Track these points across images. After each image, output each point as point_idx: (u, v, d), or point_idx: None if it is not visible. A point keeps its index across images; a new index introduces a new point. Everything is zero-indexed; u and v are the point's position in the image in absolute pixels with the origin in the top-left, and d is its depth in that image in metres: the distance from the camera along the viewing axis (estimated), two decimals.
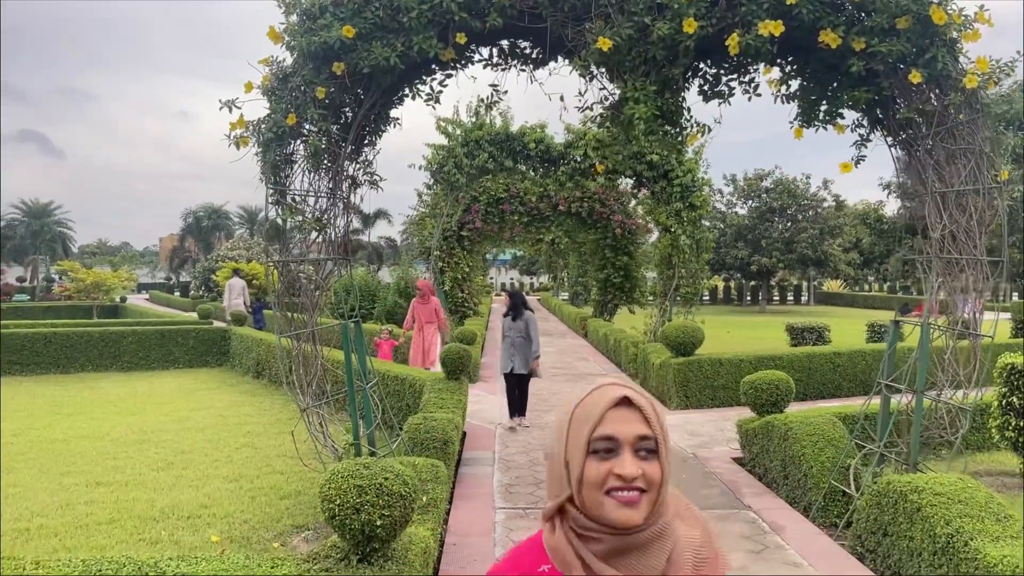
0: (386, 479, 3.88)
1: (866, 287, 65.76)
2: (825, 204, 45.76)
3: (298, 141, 6.50)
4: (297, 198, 6.43)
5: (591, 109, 6.71)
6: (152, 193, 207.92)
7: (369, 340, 11.18)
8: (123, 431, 10.75)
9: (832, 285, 60.36)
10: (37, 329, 17.66)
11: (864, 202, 29.84)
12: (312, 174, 6.56)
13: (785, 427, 7.46)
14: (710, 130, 6.64)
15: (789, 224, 45.12)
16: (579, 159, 15.14)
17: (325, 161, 6.44)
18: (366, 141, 6.66)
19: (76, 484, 8.08)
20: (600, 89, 6.52)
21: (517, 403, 10.39)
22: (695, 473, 8.11)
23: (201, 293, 39.23)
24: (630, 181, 16.05)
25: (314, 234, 6.48)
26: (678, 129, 6.74)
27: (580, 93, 6.61)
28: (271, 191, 6.35)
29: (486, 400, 12.57)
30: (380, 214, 57.28)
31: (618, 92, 6.58)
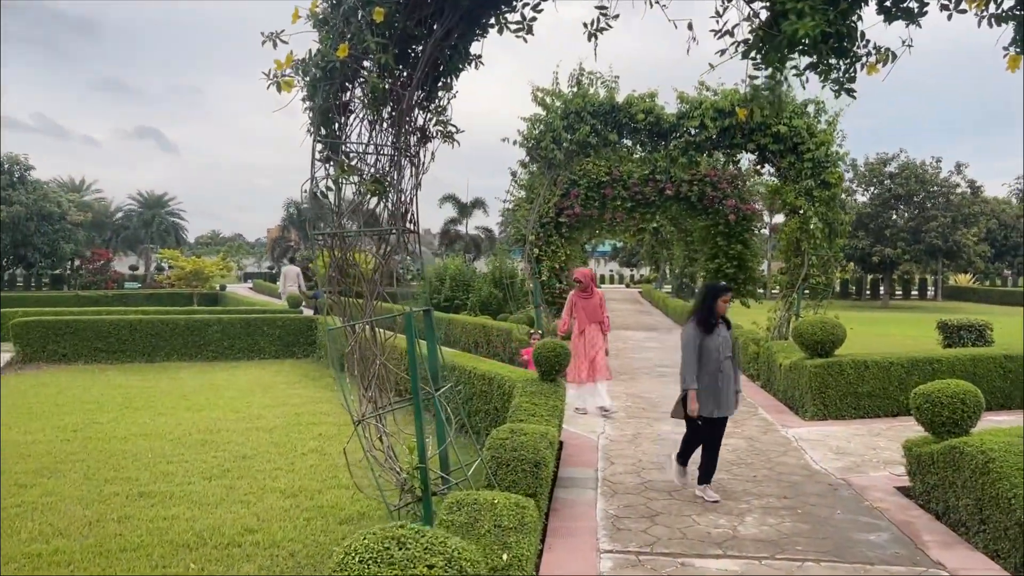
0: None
1: (998, 282, 60.48)
2: (958, 190, 41.88)
3: (355, 84, 5.16)
4: (352, 155, 5.09)
5: (732, 34, 5.09)
6: (271, 188, 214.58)
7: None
8: (187, 429, 9.79)
9: (961, 279, 55.73)
10: (123, 316, 17.23)
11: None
12: (372, 126, 5.21)
13: (982, 455, 5.65)
14: (895, 57, 4.91)
15: (916, 212, 41.43)
16: (694, 131, 13.37)
17: (388, 108, 5.07)
18: (440, 83, 5.25)
19: (116, 495, 7.05)
20: (748, 2, 4.89)
21: (705, 462, 6.72)
22: (851, 508, 6.38)
23: (310, 283, 39.09)
24: (751, 157, 14.15)
25: (373, 201, 5.12)
26: (848, 61, 5.04)
27: (718, 13, 5.00)
28: (319, 145, 5.03)
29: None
30: (477, 203, 56.36)
31: (768, 7, 4.93)
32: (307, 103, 5.10)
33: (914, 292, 52.08)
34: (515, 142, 14.16)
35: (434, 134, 5.24)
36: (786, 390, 11.07)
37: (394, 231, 4.99)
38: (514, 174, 19.09)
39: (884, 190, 41.87)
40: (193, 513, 6.53)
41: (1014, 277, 59.66)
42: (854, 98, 5.24)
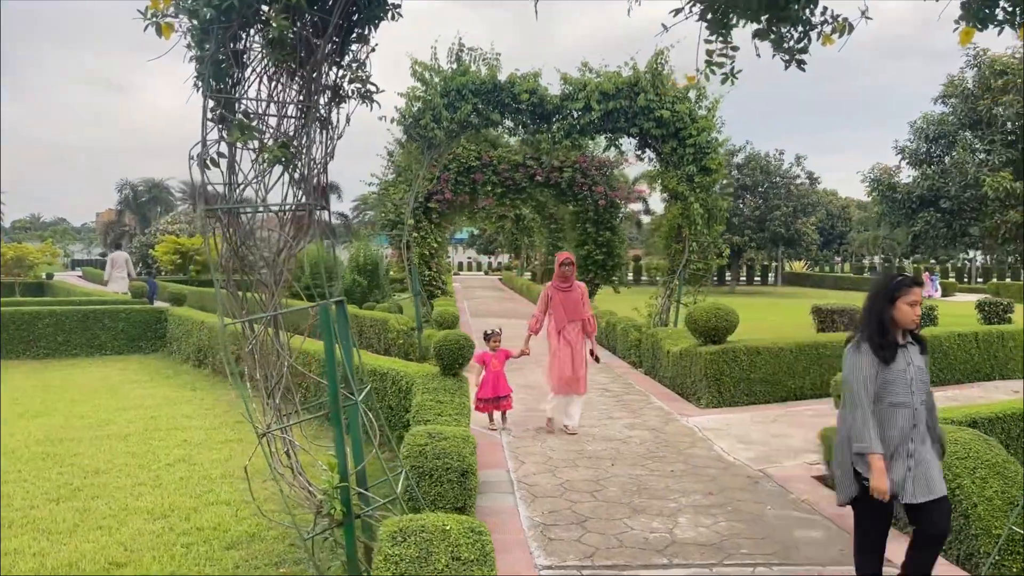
0: None
1: (827, 268, 65.13)
2: (798, 181, 44.43)
3: (253, 30, 4.30)
4: (251, 114, 4.23)
5: None
6: (93, 169, 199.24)
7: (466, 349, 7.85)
8: (22, 440, 8.42)
9: (796, 266, 59.35)
10: None
11: (880, 165, 28.24)
12: (272, 81, 4.37)
13: None
14: (852, 28, 4.60)
15: (761, 201, 43.61)
16: (577, 113, 13.04)
17: (292, 61, 4.26)
18: (353, 34, 4.47)
19: None
20: None
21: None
22: (780, 503, 6.17)
23: (138, 270, 36.18)
24: (632, 142, 14.02)
25: (276, 171, 4.29)
26: (803, 30, 4.70)
27: None
28: (211, 101, 4.15)
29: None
30: (332, 188, 54.33)
31: None
32: (193, 51, 4.19)
33: (756, 278, 55.03)
34: (392, 119, 13.32)
35: (349, 93, 4.46)
36: (675, 377, 10.98)
37: (306, 206, 4.18)
38: (391, 154, 18.18)
39: (732, 180, 43.83)
40: (41, 546, 5.43)
41: (841, 264, 64.38)
42: (803, 70, 4.93)
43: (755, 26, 4.79)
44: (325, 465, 4.26)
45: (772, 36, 4.76)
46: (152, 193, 66.31)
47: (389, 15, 4.59)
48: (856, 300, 23.34)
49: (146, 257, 37.51)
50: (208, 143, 4.13)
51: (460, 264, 77.53)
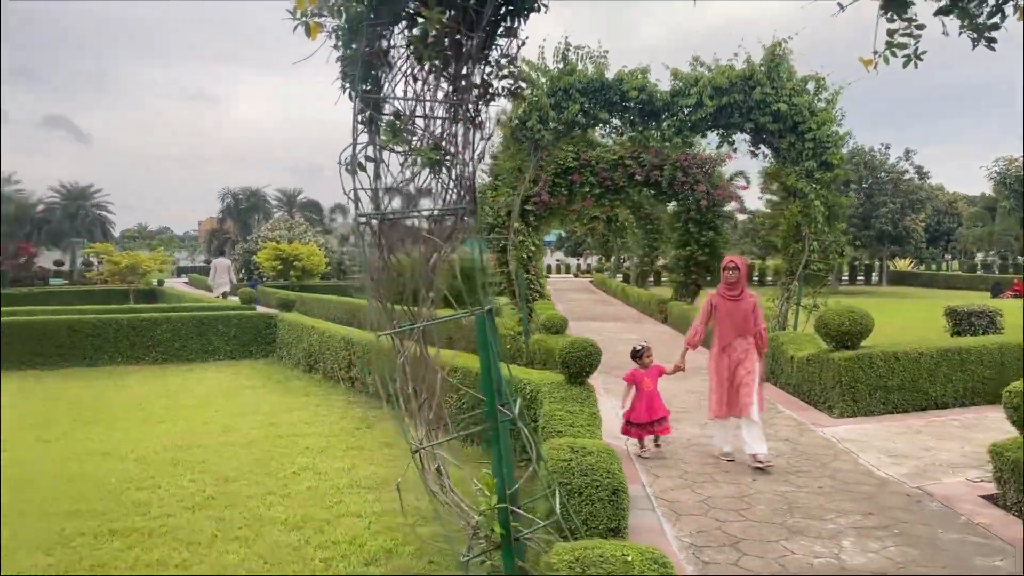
0: None
1: (933, 266, 61.99)
2: (906, 176, 42.34)
3: (397, 28, 4.12)
4: (401, 114, 4.04)
5: None
6: (188, 178, 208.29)
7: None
8: (150, 446, 8.55)
9: (901, 264, 56.63)
10: (61, 316, 15.63)
11: (1008, 158, 26.58)
12: (419, 79, 4.17)
13: None
14: None
15: (865, 198, 41.73)
16: (688, 109, 12.57)
17: (441, 59, 4.05)
18: (501, 28, 4.24)
19: (82, 534, 5.86)
20: None
21: None
22: (951, 525, 5.62)
23: (241, 276, 37.35)
24: (746, 138, 13.44)
25: (421, 173, 4.09)
26: (996, 2, 4.22)
27: None
28: (358, 103, 3.97)
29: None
30: (422, 193, 54.88)
31: None
32: (340, 51, 4.04)
33: (859, 277, 52.79)
34: (498, 120, 13.13)
35: (498, 91, 4.22)
36: (800, 384, 10.40)
37: (457, 211, 3.96)
38: (495, 158, 18.06)
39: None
40: (182, 556, 5.40)
41: (949, 261, 61.17)
42: (993, 49, 4.43)
43: (936, 4, 4.34)
44: (478, 483, 4.03)
45: (957, 11, 4.29)
46: (250, 201, 68.59)
47: (536, 6, 4.33)
48: (973, 300, 22.00)
49: (248, 263, 38.66)
50: (358, 147, 3.95)
51: (548, 267, 77.24)
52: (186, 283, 46.28)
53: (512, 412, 3.93)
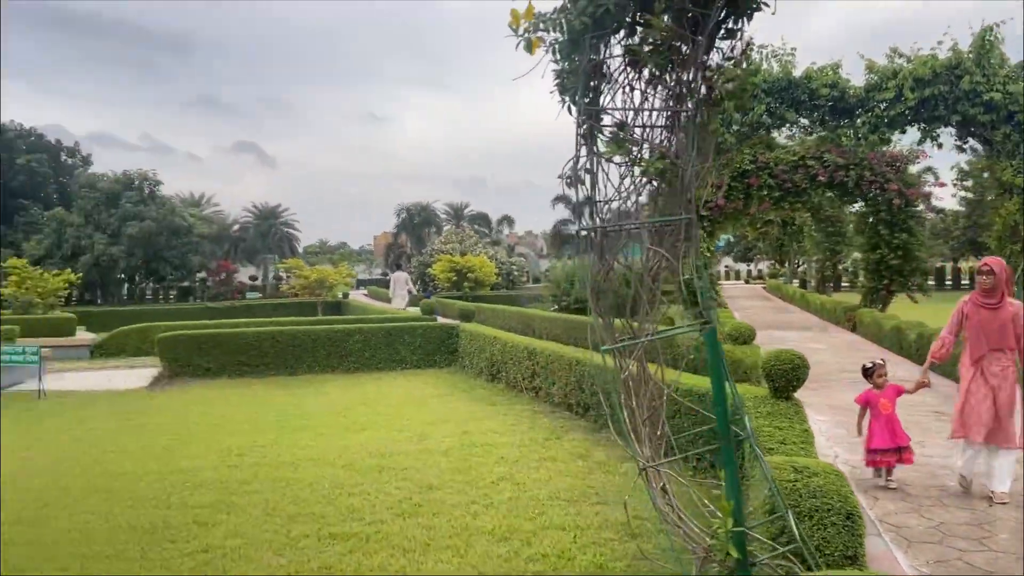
0: None
1: None
2: None
3: (616, 38, 4.06)
4: (624, 125, 3.98)
5: None
6: (363, 195, 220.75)
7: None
8: (356, 453, 8.98)
9: None
10: (264, 328, 16.86)
11: None
12: (635, 88, 4.10)
13: None
14: None
15: None
16: (885, 104, 11.77)
17: (659, 66, 3.95)
18: (722, 31, 4.09)
19: (306, 536, 6.20)
20: None
21: None
22: None
23: (417, 287, 38.90)
24: (951, 131, 12.40)
25: (643, 184, 4.01)
26: None
27: None
28: (581, 116, 3.95)
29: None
30: (589, 201, 54.98)
31: None
32: (560, 64, 4.03)
33: None
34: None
35: (721, 95, 4.07)
36: None
37: (682, 220, 3.84)
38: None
39: None
40: (400, 563, 5.59)
41: None
42: None
43: None
44: (707, 503, 3.87)
45: None
46: (422, 215, 71.44)
47: (759, 5, 4.14)
48: None
49: (424, 275, 40.21)
50: (581, 159, 3.92)
51: (716, 272, 75.07)
52: (366, 295, 48.78)
53: (747, 431, 3.75)
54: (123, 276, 42.43)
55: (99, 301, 41.99)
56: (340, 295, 35.91)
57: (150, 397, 13.75)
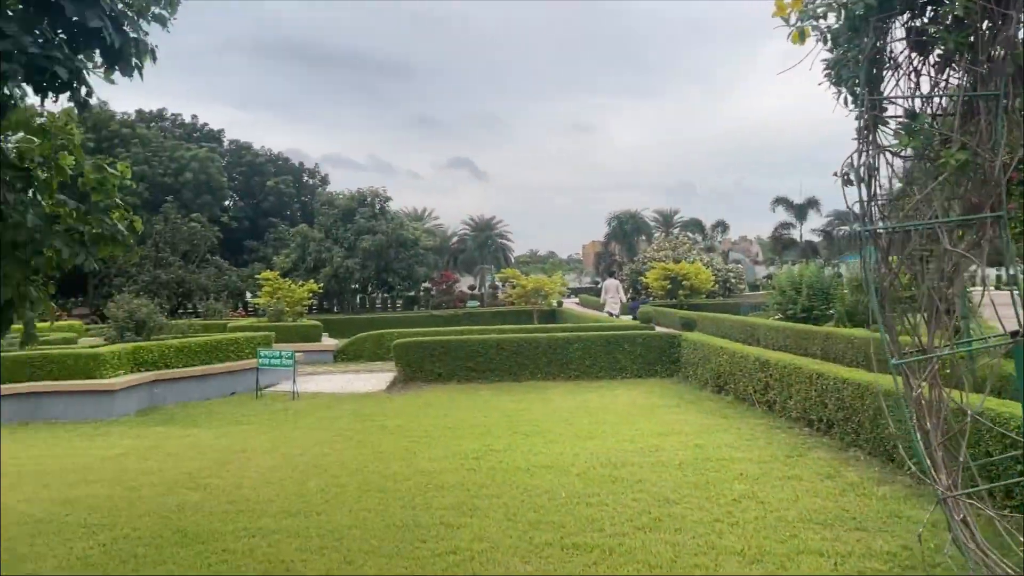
0: None
1: None
2: None
3: (899, 20, 3.68)
4: (913, 114, 3.59)
5: None
6: (569, 205, 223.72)
7: None
8: (588, 462, 8.94)
9: None
10: (489, 336, 17.41)
11: None
12: (921, 74, 3.68)
13: None
14: None
15: None
16: None
17: (961, 45, 3.52)
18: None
19: (549, 544, 6.21)
20: None
21: None
22: None
23: (630, 295, 38.67)
24: None
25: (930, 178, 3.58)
26: None
27: None
28: (862, 107, 3.61)
29: None
30: (811, 203, 52.03)
31: None
32: (833, 52, 3.72)
33: None
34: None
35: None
36: None
37: (988, 217, 3.39)
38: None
39: None
40: None
41: None
42: None
43: None
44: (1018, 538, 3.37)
45: None
46: (631, 223, 71.09)
47: None
48: None
49: (636, 283, 39.89)
50: (861, 155, 3.58)
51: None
52: (577, 303, 49.26)
53: None
54: (356, 286, 45.79)
55: (335, 309, 45.62)
56: (555, 303, 36.45)
57: (388, 400, 14.61)
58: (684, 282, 34.58)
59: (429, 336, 18.05)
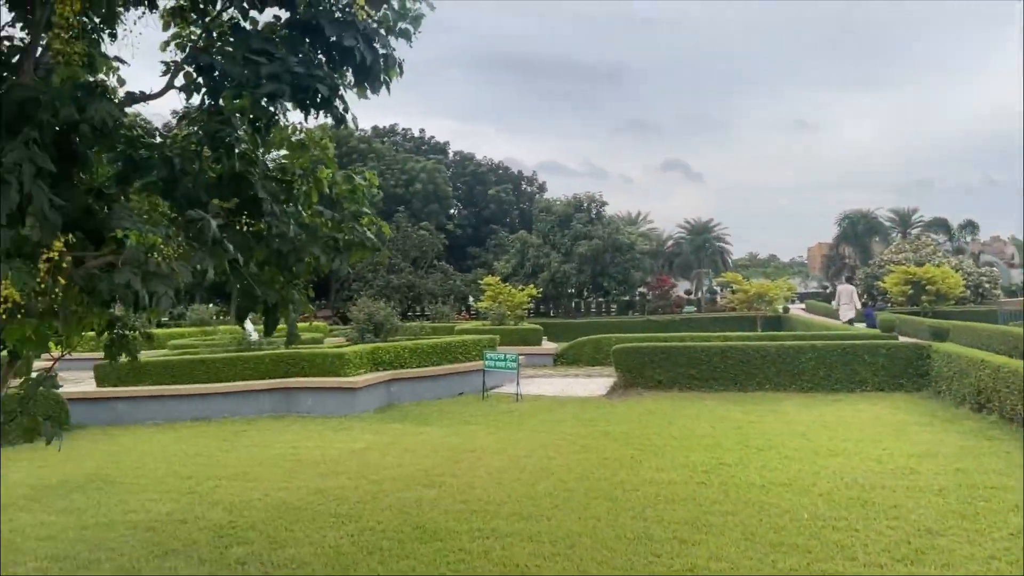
0: None
1: None
2: None
3: None
4: None
5: None
6: (790, 206, 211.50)
7: None
8: (830, 481, 8.27)
9: None
10: (713, 343, 16.80)
11: None
12: None
13: None
14: None
15: None
16: None
17: None
18: None
19: (794, 570, 5.77)
20: None
21: None
22: None
23: (864, 301, 35.85)
24: None
25: None
26: None
27: None
28: None
29: None
30: None
31: None
32: None
33: None
34: None
35: None
36: None
37: None
38: None
39: None
40: None
41: None
42: None
43: None
44: None
45: None
46: (864, 224, 65.99)
47: None
48: None
49: (871, 288, 36.96)
50: None
51: None
52: (803, 309, 46.51)
53: None
54: (572, 291, 46.23)
55: (551, 313, 46.36)
56: (780, 309, 34.61)
57: (609, 405, 14.48)
58: (929, 287, 31.50)
59: (649, 342, 17.72)
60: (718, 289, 56.07)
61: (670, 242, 74.90)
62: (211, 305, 34.32)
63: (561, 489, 8.27)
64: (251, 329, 17.28)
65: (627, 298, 46.79)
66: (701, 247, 70.01)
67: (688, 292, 60.49)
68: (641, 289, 47.18)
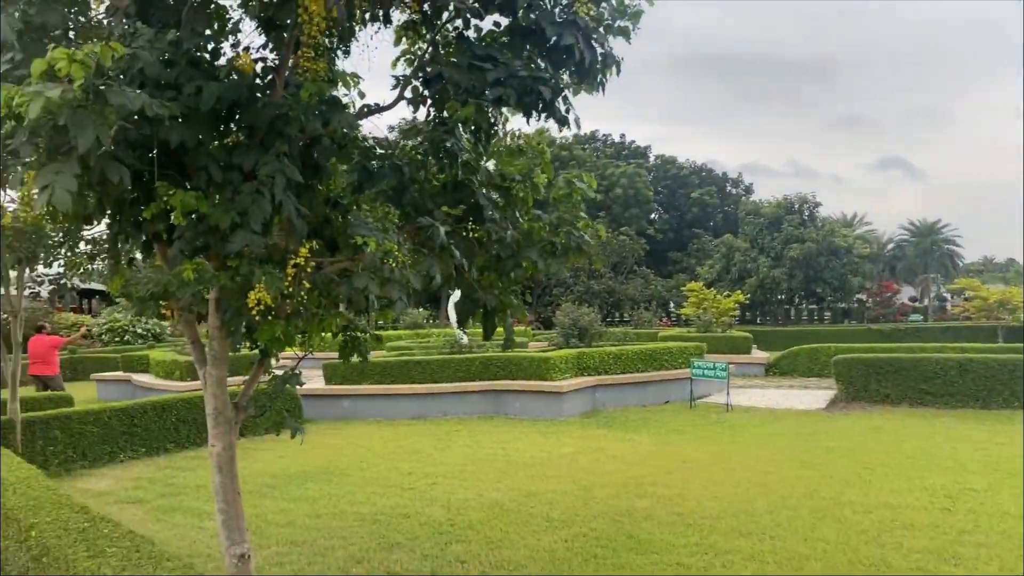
0: None
1: None
2: None
3: None
4: None
5: None
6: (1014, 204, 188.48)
7: None
8: None
9: None
10: (950, 355, 15.24)
11: None
12: None
13: None
14: None
15: None
16: None
17: None
18: None
19: None
20: None
21: None
22: None
23: None
24: None
25: None
26: None
27: None
28: None
29: None
30: None
31: None
32: None
33: None
34: None
35: None
36: None
37: None
38: None
39: None
40: None
41: None
42: None
43: None
44: None
45: None
46: None
47: None
48: None
49: None
50: None
51: None
52: None
53: None
54: (782, 297, 44.07)
55: (758, 320, 44.42)
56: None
57: (830, 419, 13.53)
58: None
59: (875, 353, 16.39)
60: (948, 296, 51.21)
61: (890, 245, 69.40)
62: (421, 309, 36.14)
63: (782, 507, 7.77)
64: (461, 333, 17.93)
65: (843, 305, 43.90)
66: (927, 250, 64.18)
67: (913, 299, 55.77)
68: (860, 295, 44.06)
